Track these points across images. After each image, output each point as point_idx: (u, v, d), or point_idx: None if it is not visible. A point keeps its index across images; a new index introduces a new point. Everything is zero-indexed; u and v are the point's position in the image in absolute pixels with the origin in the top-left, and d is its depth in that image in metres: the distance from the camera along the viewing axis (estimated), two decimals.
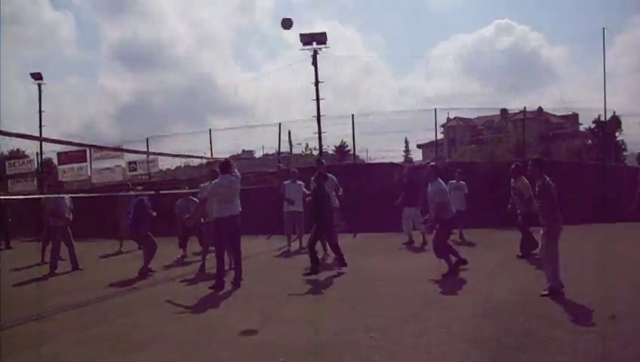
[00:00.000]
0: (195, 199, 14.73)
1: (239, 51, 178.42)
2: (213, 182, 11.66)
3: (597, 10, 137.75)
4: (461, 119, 47.64)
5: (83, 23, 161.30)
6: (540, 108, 35.11)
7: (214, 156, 21.98)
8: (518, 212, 13.03)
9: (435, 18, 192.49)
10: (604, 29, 23.22)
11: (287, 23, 16.68)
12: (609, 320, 7.33)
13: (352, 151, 25.52)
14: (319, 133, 22.79)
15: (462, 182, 16.47)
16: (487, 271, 11.50)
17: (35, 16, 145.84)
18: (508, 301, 8.70)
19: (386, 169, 22.13)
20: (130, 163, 26.20)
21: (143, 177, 26.10)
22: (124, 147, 23.40)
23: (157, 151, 24.11)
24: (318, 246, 13.04)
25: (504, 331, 7.04)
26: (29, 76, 28.31)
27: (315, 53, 22.57)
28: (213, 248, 11.89)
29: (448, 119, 43.24)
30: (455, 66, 70.15)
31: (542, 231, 9.18)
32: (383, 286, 10.32)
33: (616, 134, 27.28)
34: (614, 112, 25.00)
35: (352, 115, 23.13)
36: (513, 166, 13.27)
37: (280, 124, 23.67)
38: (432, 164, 12.73)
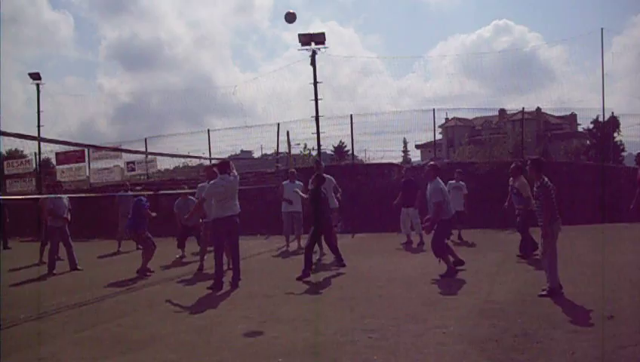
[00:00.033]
0: (193, 199, 14.73)
1: (238, 52, 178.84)
2: (211, 182, 11.67)
3: (595, 11, 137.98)
4: (459, 119, 47.83)
5: (82, 23, 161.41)
6: (539, 109, 35.20)
7: (213, 156, 22.02)
8: (517, 212, 13.04)
9: (433, 19, 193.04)
10: (602, 29, 23.18)
11: (290, 17, 16.63)
12: (607, 320, 7.33)
13: (350, 152, 25.52)
14: (318, 133, 22.78)
15: (461, 182, 16.47)
16: (486, 271, 11.50)
17: (34, 16, 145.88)
18: (506, 301, 8.70)
19: (385, 169, 22.15)
20: (128, 163, 26.16)
21: (142, 177, 26.09)
22: (123, 147, 23.42)
23: (155, 151, 24.14)
24: (316, 246, 13.05)
25: (502, 331, 7.04)
26: (28, 76, 28.30)
27: (314, 53, 22.56)
28: (211, 248, 11.90)
29: (447, 119, 43.38)
30: (453, 67, 70.13)
31: (540, 232, 9.20)
32: (382, 287, 10.32)
33: (615, 135, 27.31)
34: (612, 113, 25.08)
35: (351, 116, 23.17)
36: (513, 165, 13.28)
37: (278, 125, 23.68)
38: (432, 163, 12.72)
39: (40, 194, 20.10)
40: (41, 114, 28.48)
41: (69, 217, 14.31)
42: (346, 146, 30.30)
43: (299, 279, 11.20)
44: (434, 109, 23.40)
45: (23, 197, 19.53)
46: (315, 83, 22.71)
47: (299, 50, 22.83)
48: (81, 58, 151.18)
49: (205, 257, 13.19)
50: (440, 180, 11.45)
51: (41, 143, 24.46)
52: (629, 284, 9.55)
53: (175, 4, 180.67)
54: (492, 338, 6.78)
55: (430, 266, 11.54)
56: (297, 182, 16.16)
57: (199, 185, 14.00)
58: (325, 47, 22.65)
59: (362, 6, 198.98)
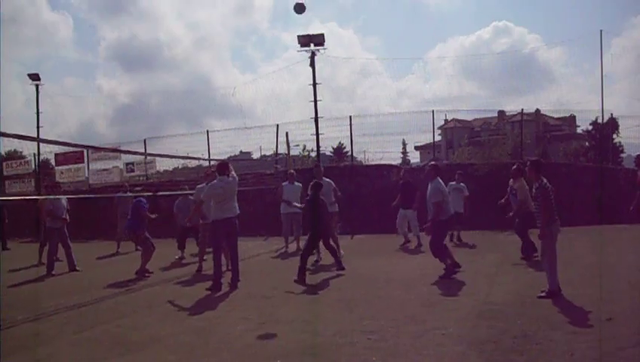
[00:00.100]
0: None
1: (237, 53, 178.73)
2: (209, 183, 11.66)
3: (594, 13, 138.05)
4: (459, 121, 47.89)
5: (81, 24, 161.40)
6: (538, 110, 35.24)
7: (212, 157, 22.02)
8: (511, 214, 13.09)
9: (432, 20, 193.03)
10: (601, 31, 23.13)
11: (299, 8, 16.54)
12: (606, 322, 7.33)
13: (349, 153, 25.53)
14: (317, 134, 22.77)
15: (462, 184, 16.47)
16: (485, 272, 11.51)
17: (33, 16, 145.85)
18: (505, 303, 8.70)
19: (384, 170, 22.14)
20: (127, 164, 26.18)
21: (141, 178, 26.08)
22: (122, 148, 23.36)
23: (155, 152, 24.17)
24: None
25: (501, 333, 7.04)
26: (27, 77, 28.28)
27: (313, 54, 22.54)
28: (210, 249, 11.90)
29: (446, 121, 43.40)
30: (453, 68, 69.96)
31: (539, 233, 9.22)
32: (381, 288, 10.33)
33: (614, 136, 27.31)
34: (611, 114, 25.05)
35: (350, 117, 23.19)
36: (514, 167, 13.27)
37: (278, 126, 23.71)
38: (433, 163, 12.72)
39: (39, 195, 20.08)
40: (40, 115, 28.47)
41: (67, 218, 14.31)
42: (345, 147, 30.34)
43: (296, 281, 11.19)
44: (433, 111, 23.45)
45: (22, 198, 19.54)
46: (315, 84, 22.70)
47: (298, 51, 22.82)
48: (81, 59, 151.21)
49: (205, 258, 13.19)
50: (440, 180, 11.43)
51: (40, 144, 24.44)
52: (628, 286, 9.56)
53: (174, 5, 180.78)
54: (491, 340, 6.78)
55: (429, 267, 11.55)
56: (296, 183, 16.16)
57: (197, 186, 13.99)
58: (324, 49, 22.65)
59: (362, 7, 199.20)
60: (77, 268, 14.23)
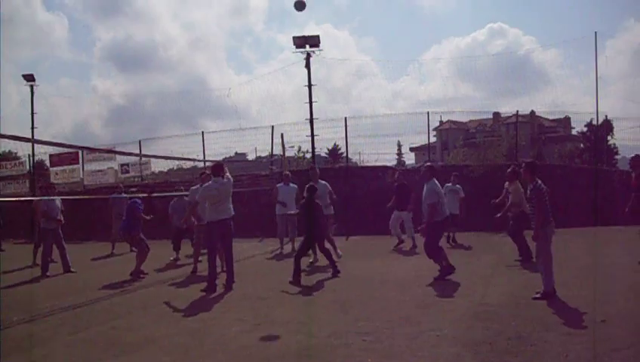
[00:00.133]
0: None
1: (232, 54, 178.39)
2: (204, 185, 11.66)
3: (589, 15, 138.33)
4: (454, 122, 47.84)
5: (76, 24, 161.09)
6: (533, 112, 35.14)
7: (207, 158, 21.99)
8: (499, 215, 13.14)
9: (427, 22, 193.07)
10: (596, 33, 23.14)
11: (300, 5, 16.46)
12: (600, 323, 7.36)
13: (344, 154, 25.52)
14: (312, 135, 22.76)
15: (458, 185, 16.50)
16: (480, 274, 11.52)
17: (28, 17, 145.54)
18: (500, 304, 8.72)
19: (379, 172, 22.14)
20: (122, 165, 26.14)
21: (136, 179, 26.04)
22: (117, 149, 23.33)
23: (150, 153, 24.14)
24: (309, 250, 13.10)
25: (496, 334, 7.05)
26: (22, 77, 28.20)
27: (308, 55, 22.52)
28: (205, 251, 11.89)
29: (441, 122, 43.30)
30: (448, 70, 70.10)
31: (533, 234, 9.25)
32: (376, 289, 10.33)
33: (608, 138, 27.35)
34: (606, 116, 25.04)
35: (345, 118, 23.18)
36: (510, 169, 13.30)
37: (273, 127, 23.70)
38: (429, 164, 12.73)
39: (33, 196, 20.05)
40: (34, 115, 28.37)
41: (62, 219, 14.28)
42: (340, 149, 30.24)
43: (292, 283, 11.17)
44: (428, 112, 23.43)
45: (17, 199, 19.49)
46: (310, 85, 22.69)
47: (293, 52, 22.81)
48: (76, 59, 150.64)
49: (200, 259, 13.18)
50: (436, 181, 11.43)
51: (35, 145, 24.44)
52: (622, 287, 9.58)
53: (170, 6, 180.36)
54: (486, 341, 6.79)
55: (424, 269, 11.56)
56: (292, 184, 16.16)
57: (192, 187, 14.00)
58: (320, 50, 22.63)
59: (357, 9, 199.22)
60: (72, 269, 14.20)
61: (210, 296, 10.44)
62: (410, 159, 35.40)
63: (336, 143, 30.23)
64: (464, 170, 20.31)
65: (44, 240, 14.24)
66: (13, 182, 27.58)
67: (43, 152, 27.60)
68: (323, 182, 14.56)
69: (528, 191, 9.41)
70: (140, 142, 25.67)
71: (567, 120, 36.65)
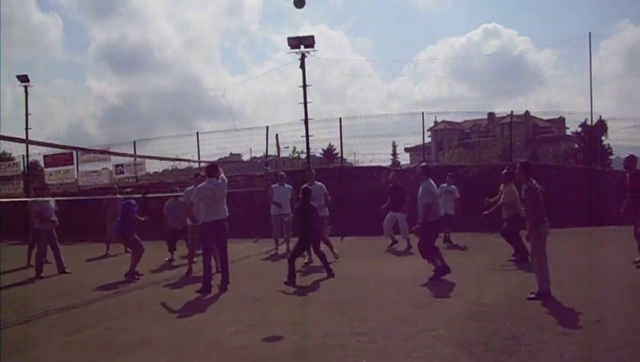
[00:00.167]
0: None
1: (227, 54, 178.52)
2: (198, 185, 11.65)
3: (583, 15, 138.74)
4: (448, 123, 47.95)
5: (70, 25, 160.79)
6: (527, 112, 35.24)
7: (202, 159, 21.97)
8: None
9: (422, 22, 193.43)
10: (590, 33, 23.18)
11: (299, 2, 16.36)
12: (595, 323, 7.37)
13: (339, 155, 25.52)
14: (307, 136, 22.74)
15: (453, 186, 16.52)
16: (475, 274, 11.53)
17: (22, 18, 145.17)
18: (495, 304, 8.72)
19: (374, 172, 22.16)
20: (117, 166, 26.04)
21: (131, 180, 25.97)
22: (112, 150, 23.25)
23: (144, 154, 24.09)
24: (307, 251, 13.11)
25: (491, 334, 7.06)
26: (16, 78, 28.12)
27: (303, 56, 22.49)
28: (200, 251, 11.87)
29: (436, 123, 43.47)
30: (443, 70, 70.20)
31: (526, 234, 9.28)
32: (371, 290, 10.34)
33: (602, 138, 27.41)
34: (600, 116, 25.12)
35: (340, 119, 23.13)
36: (505, 171, 13.33)
37: (267, 128, 23.66)
38: (424, 164, 12.73)
39: (28, 196, 19.99)
40: (29, 116, 28.29)
41: (56, 220, 14.24)
42: (335, 149, 30.26)
43: (287, 283, 11.17)
44: (423, 113, 23.41)
45: (11, 200, 19.42)
46: (305, 86, 22.66)
47: (288, 53, 22.77)
48: (70, 60, 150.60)
49: (195, 260, 13.16)
50: (432, 181, 11.41)
51: (29, 146, 24.33)
52: (617, 287, 9.61)
53: (164, 6, 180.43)
54: (481, 342, 6.80)
55: (419, 269, 11.56)
56: (286, 185, 16.16)
57: (186, 188, 13.98)
58: (314, 50, 22.58)
59: (352, 9, 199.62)
60: (66, 270, 14.17)
61: (205, 297, 10.43)
62: (405, 159, 35.53)
63: (331, 144, 30.29)
64: (459, 170, 20.30)
65: (38, 241, 14.22)
66: (8, 182, 27.48)
67: (37, 153, 27.50)
68: (319, 183, 14.57)
69: (522, 192, 9.43)
70: (134, 142, 25.65)
71: (561, 120, 36.74)
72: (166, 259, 15.18)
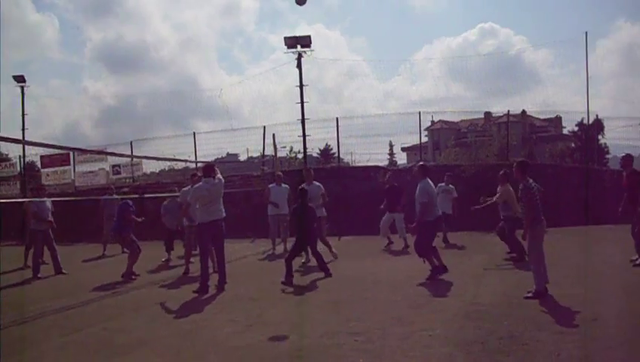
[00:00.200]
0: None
1: (224, 54, 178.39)
2: (195, 186, 11.63)
3: (579, 15, 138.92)
4: (445, 122, 47.92)
5: (67, 25, 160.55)
6: (524, 112, 35.26)
7: (198, 159, 21.95)
8: (502, 216, 13.16)
9: (419, 22, 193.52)
10: (586, 33, 23.24)
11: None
12: (591, 322, 7.38)
13: (336, 155, 25.51)
14: (304, 136, 22.75)
15: (451, 185, 16.56)
16: (472, 273, 11.53)
17: (18, 18, 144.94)
18: (492, 304, 8.72)
19: (371, 172, 22.17)
20: (114, 166, 26.06)
21: (127, 180, 25.96)
22: (108, 150, 23.25)
23: (141, 154, 24.08)
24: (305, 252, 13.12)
25: (488, 334, 7.06)
26: (12, 78, 28.08)
27: (300, 56, 22.50)
28: (197, 252, 11.87)
29: (432, 122, 43.39)
30: (439, 70, 70.11)
31: (522, 233, 9.30)
32: (367, 290, 10.33)
33: (599, 137, 27.48)
34: (597, 115, 25.17)
35: (337, 118, 23.14)
36: (502, 172, 13.34)
37: (264, 127, 23.64)
38: (421, 163, 12.75)
39: (24, 197, 19.96)
40: (25, 117, 28.24)
41: (52, 220, 14.22)
42: (332, 149, 30.24)
43: (284, 283, 11.16)
44: (420, 112, 23.41)
45: (7, 200, 19.39)
46: (301, 86, 22.67)
47: (285, 52, 22.78)
48: (66, 60, 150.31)
49: (192, 260, 13.15)
50: (429, 181, 11.39)
51: (26, 146, 24.32)
52: (614, 286, 9.63)
53: (161, 6, 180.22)
54: (478, 341, 6.79)
55: (416, 269, 11.54)
56: (284, 185, 16.15)
57: (183, 189, 13.98)
58: (311, 50, 22.60)
59: (348, 9, 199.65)
60: (63, 270, 14.16)
61: (202, 297, 10.42)
62: (402, 159, 35.44)
63: (328, 143, 30.24)
64: (456, 169, 20.33)
65: (34, 241, 14.21)
66: (4, 183, 27.46)
67: (34, 154, 27.51)
68: (317, 183, 14.55)
69: (519, 191, 9.44)
70: (131, 143, 25.59)
71: (558, 119, 36.87)
72: (163, 260, 15.16)
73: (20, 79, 27.83)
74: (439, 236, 13.96)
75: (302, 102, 22.61)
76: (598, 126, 25.99)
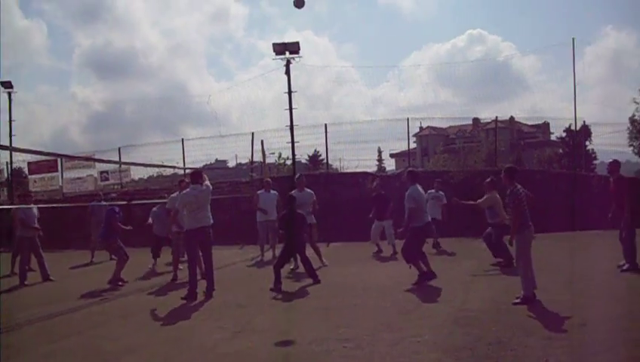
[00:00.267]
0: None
1: (213, 60, 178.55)
2: (182, 192, 11.61)
3: (567, 21, 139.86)
4: (434, 128, 48.13)
5: (55, 31, 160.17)
6: (512, 118, 35.51)
7: (187, 165, 21.92)
8: (489, 223, 13.19)
9: (408, 28, 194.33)
10: (574, 39, 23.37)
11: (299, 2, 16.13)
12: (580, 327, 7.40)
13: (325, 161, 25.55)
14: (292, 142, 22.76)
15: (441, 192, 16.61)
16: (461, 279, 11.54)
17: (6, 23, 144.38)
18: (481, 309, 8.73)
19: (359, 178, 22.19)
20: (102, 172, 25.98)
21: (115, 187, 25.87)
22: (96, 156, 23.21)
23: (129, 160, 24.00)
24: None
25: (477, 340, 7.06)
26: None
27: (288, 62, 22.54)
28: (184, 258, 11.83)
29: (421, 128, 43.58)
30: (428, 76, 70.36)
31: (509, 239, 9.33)
32: (357, 296, 10.31)
33: (586, 143, 27.63)
34: (584, 121, 25.32)
35: (325, 125, 23.22)
36: (488, 180, 13.36)
37: (253, 134, 23.65)
38: (410, 169, 12.77)
39: (12, 204, 19.85)
40: (12, 123, 28.12)
41: (39, 227, 14.14)
42: (320, 155, 30.35)
43: (272, 290, 11.13)
44: (408, 118, 23.56)
45: None
46: (290, 92, 22.70)
47: (273, 59, 22.81)
48: (54, 66, 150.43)
49: (181, 267, 13.11)
50: (418, 187, 11.39)
51: (13, 153, 24.20)
52: (602, 291, 9.66)
53: (150, 12, 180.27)
54: (466, 347, 6.80)
55: (405, 275, 11.54)
56: (272, 191, 16.12)
57: (171, 195, 13.93)
58: (300, 57, 22.66)
59: (337, 15, 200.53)
60: (50, 277, 14.07)
61: (190, 304, 10.39)
62: (390, 165, 35.61)
63: (317, 150, 30.35)
64: (444, 175, 20.35)
65: (20, 248, 14.13)
66: None
67: (21, 160, 27.40)
68: (308, 190, 14.50)
69: (507, 196, 9.46)
70: (119, 149, 25.60)
71: (546, 125, 37.01)
72: (150, 266, 15.07)
73: (7, 85, 27.66)
74: (429, 242, 13.95)
75: (290, 109, 22.64)
76: (585, 132, 26.14)
